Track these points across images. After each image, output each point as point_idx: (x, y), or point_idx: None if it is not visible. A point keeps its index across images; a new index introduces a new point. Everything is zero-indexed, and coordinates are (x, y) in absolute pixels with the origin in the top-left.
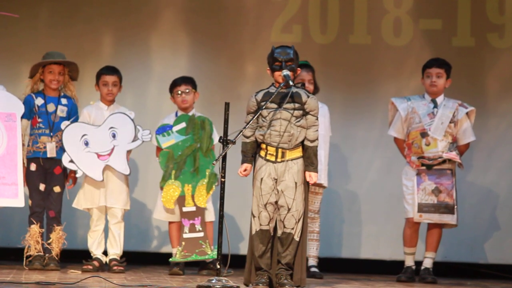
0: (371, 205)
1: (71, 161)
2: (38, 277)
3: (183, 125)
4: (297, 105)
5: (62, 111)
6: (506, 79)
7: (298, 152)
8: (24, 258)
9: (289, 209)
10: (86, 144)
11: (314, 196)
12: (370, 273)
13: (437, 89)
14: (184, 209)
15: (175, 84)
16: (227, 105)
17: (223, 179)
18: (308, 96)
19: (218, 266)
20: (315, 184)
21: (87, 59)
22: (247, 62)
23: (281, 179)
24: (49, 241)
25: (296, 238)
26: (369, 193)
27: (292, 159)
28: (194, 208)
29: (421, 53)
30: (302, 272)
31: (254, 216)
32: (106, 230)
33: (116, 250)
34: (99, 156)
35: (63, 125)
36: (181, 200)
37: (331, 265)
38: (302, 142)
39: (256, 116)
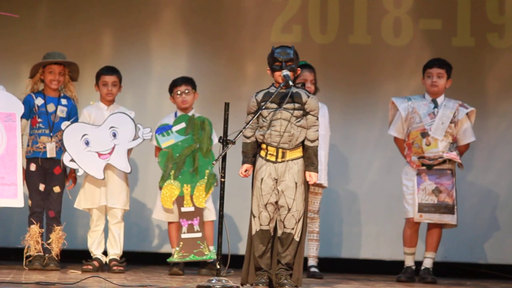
0: (371, 205)
1: (72, 160)
2: (38, 277)
3: (182, 125)
4: (297, 105)
5: (62, 111)
6: (506, 79)
7: (299, 152)
8: (24, 258)
9: (289, 209)
10: (87, 143)
11: (313, 196)
12: (370, 273)
13: (438, 89)
14: (183, 209)
15: (175, 84)
16: (227, 105)
17: (223, 179)
18: (308, 96)
19: (218, 266)
20: (315, 184)
21: (87, 59)
22: (247, 62)
23: (281, 179)
24: (49, 241)
25: (296, 238)
26: (369, 193)
27: (292, 159)
28: (192, 209)
29: (421, 53)
30: (300, 272)
31: (254, 216)
32: (106, 230)
33: (116, 250)
34: (100, 155)
35: (63, 125)
36: (180, 200)
37: (331, 265)
38: (303, 142)
39: (256, 116)
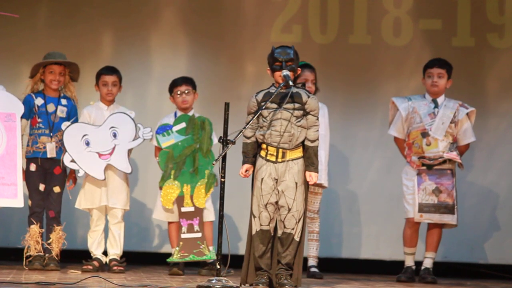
0: (371, 205)
1: (73, 160)
2: (38, 277)
3: (183, 125)
4: (297, 105)
5: (62, 111)
6: (506, 79)
7: (299, 152)
8: (24, 258)
9: (289, 209)
10: (87, 144)
11: (313, 196)
12: (370, 273)
13: (438, 89)
14: (183, 209)
15: (175, 84)
16: (227, 105)
17: (223, 179)
18: (309, 96)
19: (218, 266)
20: (315, 184)
21: (87, 59)
22: (247, 62)
23: (281, 179)
24: (49, 241)
25: (296, 238)
26: (369, 193)
27: (292, 159)
28: (192, 209)
29: (421, 53)
30: (299, 272)
31: (254, 216)
32: (106, 230)
33: (116, 250)
34: (100, 155)
35: (63, 125)
36: (180, 200)
37: (331, 265)
38: (303, 142)
39: (256, 116)
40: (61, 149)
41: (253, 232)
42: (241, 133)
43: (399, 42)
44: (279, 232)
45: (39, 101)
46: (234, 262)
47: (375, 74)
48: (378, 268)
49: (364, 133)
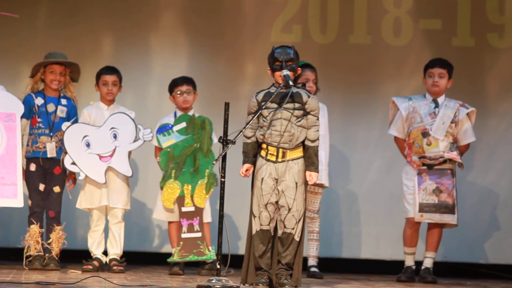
0: (371, 205)
1: (73, 163)
2: (38, 277)
3: (183, 125)
4: (297, 105)
5: (62, 111)
6: (506, 79)
7: (299, 152)
8: (24, 258)
9: (289, 209)
10: (88, 145)
11: (314, 196)
12: (370, 273)
13: (439, 89)
14: (183, 209)
15: (176, 84)
16: (226, 105)
17: (223, 179)
18: (309, 96)
19: (218, 266)
20: (316, 184)
21: (87, 59)
22: (246, 62)
23: (281, 179)
24: (49, 241)
25: (297, 238)
26: (369, 193)
27: (292, 159)
28: (193, 208)
29: (421, 53)
30: (299, 272)
31: (254, 216)
32: (106, 230)
33: (116, 250)
34: (101, 157)
35: (64, 126)
36: (180, 200)
37: (331, 265)
38: (303, 142)
39: (256, 116)
40: (61, 149)
41: (253, 232)
42: (241, 133)
43: (399, 42)
44: (279, 232)
45: (39, 101)
46: (234, 262)
47: (375, 74)
48: (378, 268)
49: (364, 133)
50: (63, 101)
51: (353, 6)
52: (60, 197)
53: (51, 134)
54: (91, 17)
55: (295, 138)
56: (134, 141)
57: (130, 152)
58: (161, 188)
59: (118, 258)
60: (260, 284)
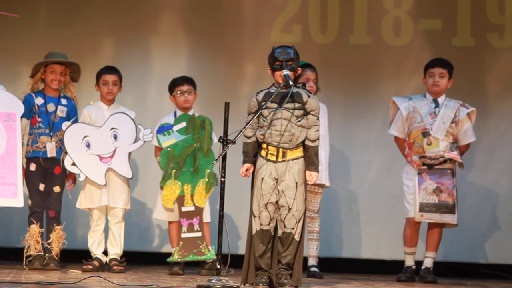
0: (371, 205)
1: (74, 164)
2: (38, 277)
3: (183, 124)
4: (297, 104)
5: (62, 111)
6: (506, 79)
7: (299, 152)
8: (24, 258)
9: (289, 209)
10: (88, 146)
11: (314, 196)
12: (370, 273)
13: (439, 89)
14: (183, 209)
15: (176, 84)
16: (227, 105)
17: (223, 179)
18: (309, 96)
19: (218, 266)
20: (316, 184)
21: (87, 59)
22: (246, 62)
23: (281, 179)
24: (49, 241)
25: (297, 238)
26: (369, 193)
27: (293, 159)
28: (193, 208)
29: (421, 53)
30: (299, 272)
31: (254, 216)
32: (106, 230)
33: (116, 250)
34: (101, 158)
35: (64, 125)
36: (180, 200)
37: (331, 265)
38: (303, 142)
39: (256, 116)
40: (61, 149)
41: (253, 231)
42: (241, 132)
43: (399, 42)
44: (279, 232)
45: (39, 101)
46: (234, 262)
47: (375, 74)
48: (378, 268)
49: (364, 133)
50: (63, 101)
51: (353, 6)
52: (60, 197)
53: (51, 134)
54: (91, 17)
55: (295, 138)
56: (134, 141)
57: (130, 153)
58: (161, 188)
59: (118, 258)
60: (260, 284)
